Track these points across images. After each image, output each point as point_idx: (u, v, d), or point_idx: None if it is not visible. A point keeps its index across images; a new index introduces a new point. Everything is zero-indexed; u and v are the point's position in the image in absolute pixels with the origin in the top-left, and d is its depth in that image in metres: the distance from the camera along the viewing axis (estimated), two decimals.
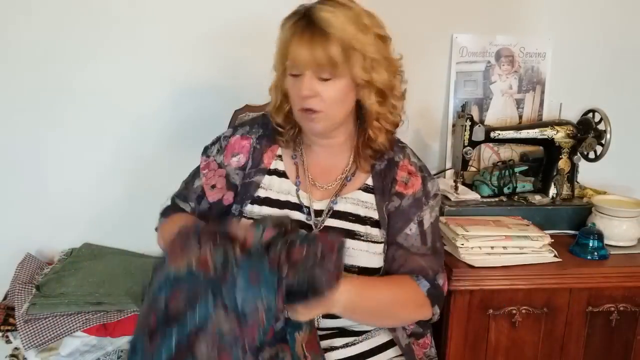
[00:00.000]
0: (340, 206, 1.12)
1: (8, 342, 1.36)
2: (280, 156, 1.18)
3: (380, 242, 1.11)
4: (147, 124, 1.62)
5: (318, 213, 1.13)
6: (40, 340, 1.29)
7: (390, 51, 1.09)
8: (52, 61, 1.55)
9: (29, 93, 1.57)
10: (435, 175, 1.69)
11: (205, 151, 1.21)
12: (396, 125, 1.14)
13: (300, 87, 1.02)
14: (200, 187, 1.18)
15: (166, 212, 1.21)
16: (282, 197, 1.14)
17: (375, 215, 1.12)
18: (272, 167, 1.17)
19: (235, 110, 1.52)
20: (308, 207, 1.13)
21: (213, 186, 1.18)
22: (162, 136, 1.64)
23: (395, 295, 1.07)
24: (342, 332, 1.11)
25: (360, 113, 1.12)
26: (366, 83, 1.05)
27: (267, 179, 1.15)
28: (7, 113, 1.57)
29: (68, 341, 1.33)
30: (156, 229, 1.21)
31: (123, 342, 1.35)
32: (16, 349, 1.36)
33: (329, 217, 1.12)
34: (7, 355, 1.37)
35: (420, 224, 1.12)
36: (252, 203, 1.14)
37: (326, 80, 1.02)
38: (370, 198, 1.13)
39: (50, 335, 1.30)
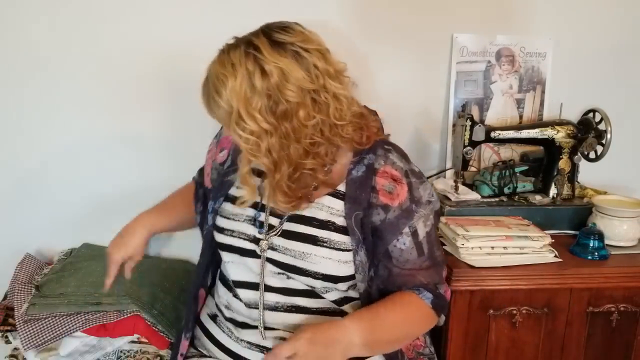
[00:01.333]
0: (304, 211, 1.06)
1: (8, 342, 1.35)
2: None
3: (348, 250, 1.04)
4: (146, 125, 1.62)
5: (281, 215, 1.08)
6: (40, 340, 1.29)
7: (298, 93, 0.95)
8: (51, 61, 1.55)
9: (28, 93, 1.56)
10: (435, 175, 1.70)
11: (216, 135, 1.27)
12: (342, 136, 1.01)
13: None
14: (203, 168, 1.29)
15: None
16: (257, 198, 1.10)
17: (339, 221, 1.05)
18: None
19: None
20: (264, 205, 1.09)
21: (204, 170, 1.27)
22: (162, 137, 1.64)
23: (405, 316, 1.06)
24: None
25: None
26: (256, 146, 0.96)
27: None
28: (5, 114, 1.57)
29: (67, 341, 1.32)
30: None
31: (123, 342, 1.35)
32: (16, 349, 1.36)
33: (291, 222, 1.07)
34: (7, 356, 1.37)
35: (415, 234, 1.05)
36: (225, 200, 1.14)
37: None
38: (338, 204, 1.05)
39: (49, 335, 1.30)
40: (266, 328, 1.08)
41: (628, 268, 1.35)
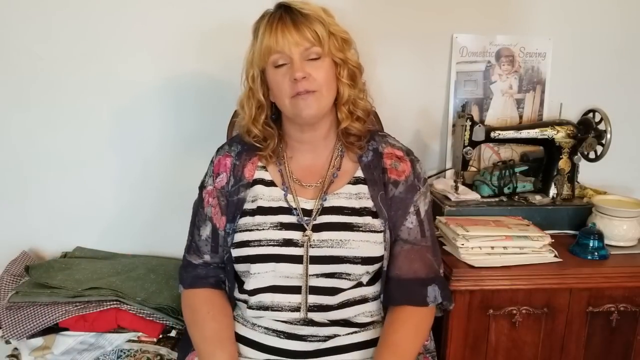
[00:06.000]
0: (333, 202, 1.13)
1: (7, 342, 1.35)
2: (264, 167, 1.17)
3: (380, 232, 1.12)
4: (146, 126, 1.62)
5: (308, 213, 1.13)
6: (21, 330, 1.29)
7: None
8: (51, 61, 1.55)
9: (28, 93, 1.57)
10: (435, 175, 1.71)
11: (202, 186, 1.21)
12: (367, 113, 1.17)
13: (293, 71, 1.05)
14: (210, 223, 1.17)
15: (182, 276, 1.19)
16: (274, 204, 1.14)
17: (369, 204, 1.13)
18: (255, 177, 1.16)
19: (236, 110, 1.52)
20: (296, 209, 1.13)
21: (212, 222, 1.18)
22: (162, 138, 1.64)
23: (421, 335, 1.13)
24: (346, 323, 1.12)
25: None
26: (342, 61, 1.11)
27: (253, 191, 1.15)
28: (5, 115, 1.57)
29: (60, 340, 1.33)
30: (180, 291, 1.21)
31: (121, 340, 1.35)
32: (15, 349, 1.36)
33: (322, 214, 1.12)
34: (7, 355, 1.37)
35: (417, 213, 1.15)
36: (243, 216, 1.13)
37: (314, 60, 1.07)
38: (363, 189, 1.14)
39: (30, 325, 1.30)
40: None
41: (628, 268, 1.35)
